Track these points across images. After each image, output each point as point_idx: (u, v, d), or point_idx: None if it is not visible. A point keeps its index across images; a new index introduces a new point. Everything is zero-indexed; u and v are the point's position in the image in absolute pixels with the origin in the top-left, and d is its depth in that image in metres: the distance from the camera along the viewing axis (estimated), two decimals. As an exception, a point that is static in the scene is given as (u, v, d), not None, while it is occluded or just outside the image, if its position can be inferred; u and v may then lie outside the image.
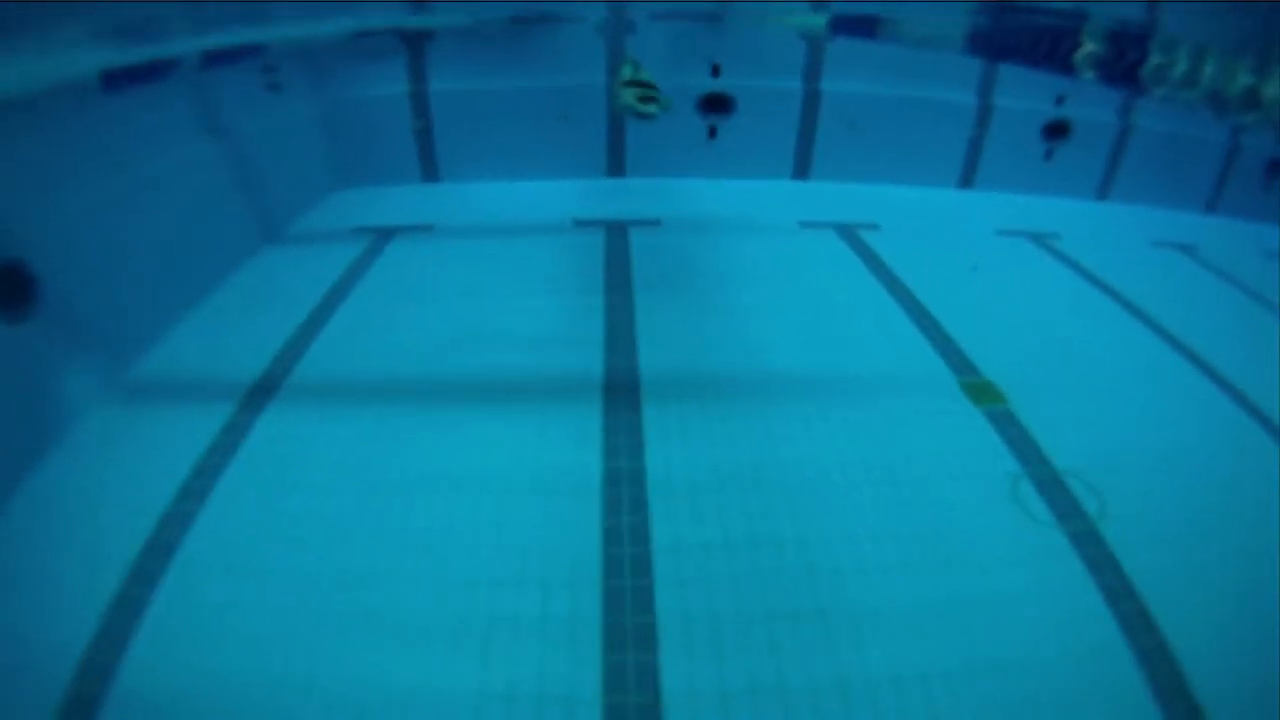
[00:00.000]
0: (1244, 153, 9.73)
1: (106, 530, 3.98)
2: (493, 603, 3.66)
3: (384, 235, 7.69)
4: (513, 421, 4.89)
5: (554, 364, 5.49)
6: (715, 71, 9.07)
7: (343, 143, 8.90)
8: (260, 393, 5.12)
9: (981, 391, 5.33)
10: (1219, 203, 10.02)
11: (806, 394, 5.23)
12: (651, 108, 5.94)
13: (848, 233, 8.05)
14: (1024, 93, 9.31)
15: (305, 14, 7.79)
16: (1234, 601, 3.86)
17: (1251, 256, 8.39)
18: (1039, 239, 8.31)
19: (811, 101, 9.24)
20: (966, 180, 9.79)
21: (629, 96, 6.02)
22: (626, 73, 6.38)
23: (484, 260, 7.17)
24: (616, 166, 9.45)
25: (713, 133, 9.31)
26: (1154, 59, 4.13)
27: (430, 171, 9.28)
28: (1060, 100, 9.42)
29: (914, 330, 6.12)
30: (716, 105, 9.19)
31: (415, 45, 8.80)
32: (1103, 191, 9.98)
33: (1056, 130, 9.58)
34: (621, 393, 5.17)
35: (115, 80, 5.32)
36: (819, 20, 8.40)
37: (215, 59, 6.50)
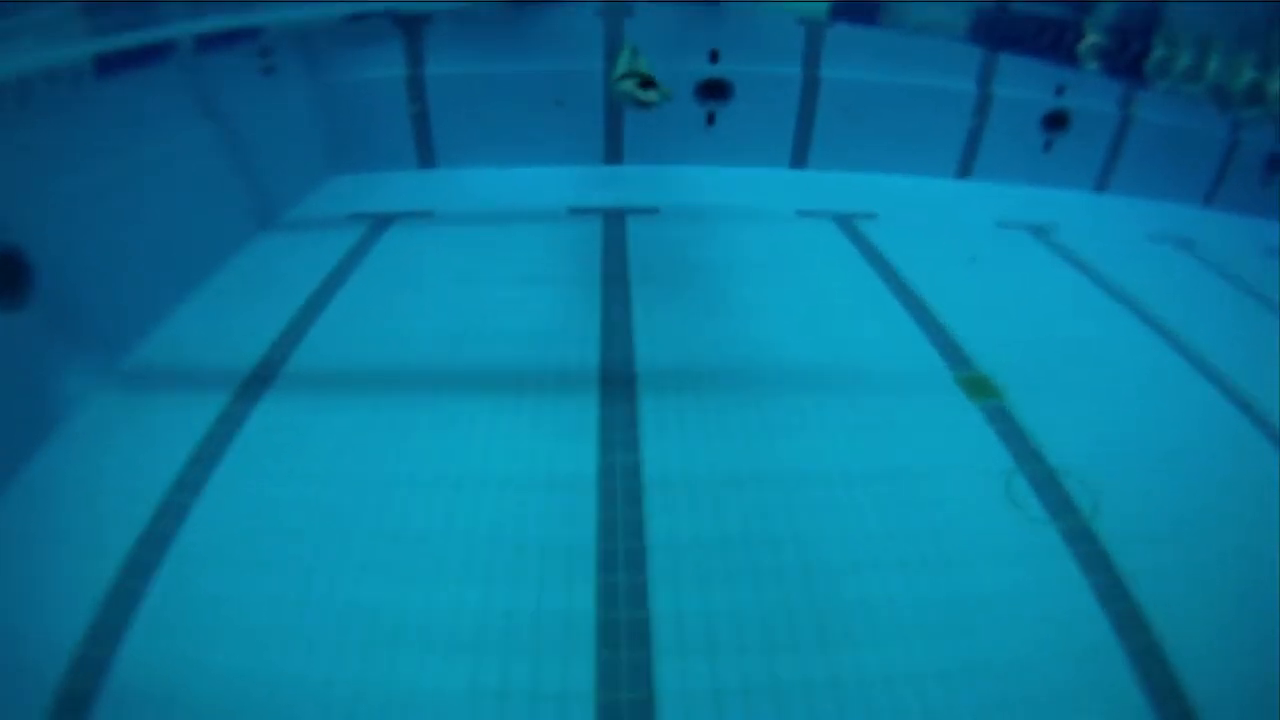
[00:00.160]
0: (1244, 147, 9.68)
1: (102, 521, 3.98)
2: (487, 596, 3.67)
3: (380, 222, 7.64)
4: (509, 412, 4.88)
5: (550, 355, 5.47)
6: (714, 57, 9.00)
7: (338, 128, 8.82)
8: (257, 381, 5.10)
9: (977, 386, 5.33)
10: (1218, 196, 9.98)
11: (803, 387, 5.23)
12: (652, 94, 5.87)
13: (845, 222, 8.03)
14: (1024, 82, 9.24)
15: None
16: (1228, 600, 3.88)
17: (1250, 251, 8.37)
18: (1037, 230, 8.28)
19: (810, 88, 9.18)
20: (965, 170, 9.74)
21: (628, 84, 5.96)
22: (624, 59, 6.31)
23: (481, 248, 7.14)
24: (614, 153, 9.39)
25: (711, 119, 9.25)
26: (1158, 52, 4.11)
27: (426, 157, 9.21)
28: (1060, 90, 9.36)
29: (911, 323, 6.11)
30: (715, 91, 9.12)
31: (411, 28, 8.72)
32: (1102, 183, 9.94)
33: (1056, 121, 9.52)
34: (618, 384, 5.17)
35: (109, 65, 5.27)
36: (821, 6, 8.33)
37: (210, 42, 6.44)
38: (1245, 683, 3.45)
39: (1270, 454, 4.99)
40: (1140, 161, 9.67)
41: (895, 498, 4.35)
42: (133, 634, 3.44)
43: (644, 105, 5.98)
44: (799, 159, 9.62)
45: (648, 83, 5.95)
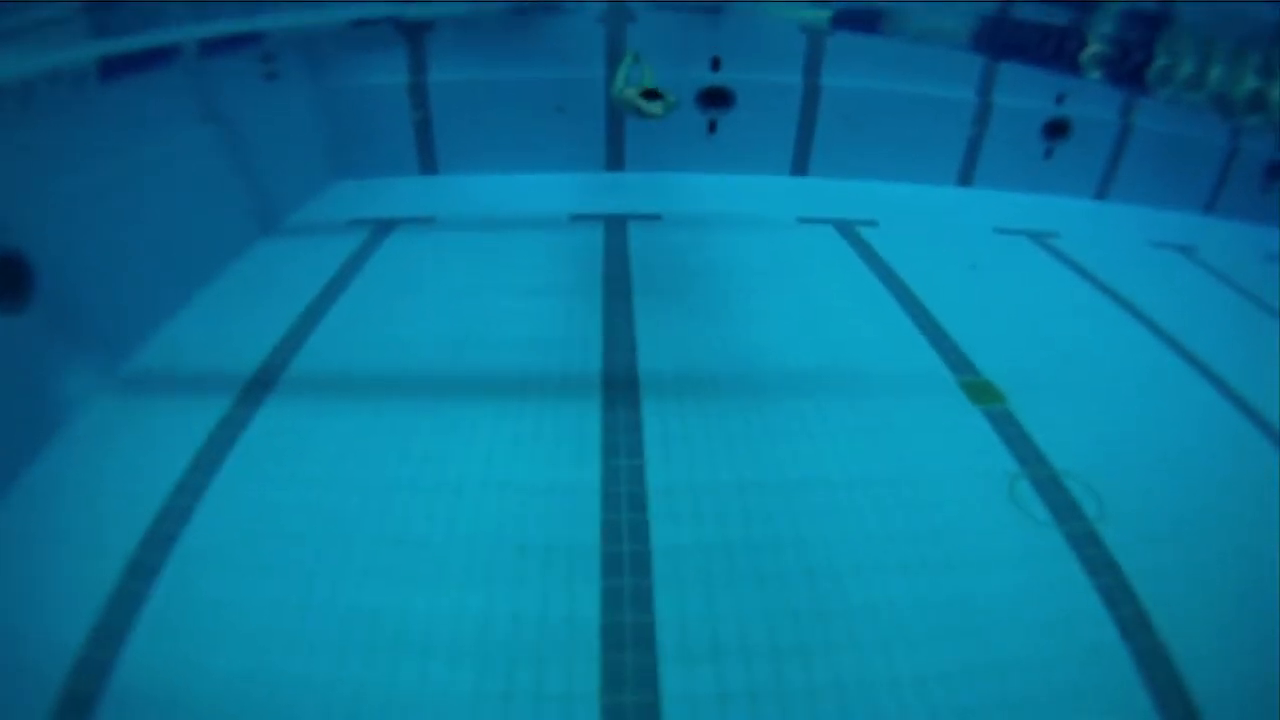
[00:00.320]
0: (1243, 154, 9.72)
1: (104, 524, 3.97)
2: (490, 600, 3.66)
3: (382, 228, 7.65)
4: (511, 418, 4.87)
5: (552, 361, 5.47)
6: (715, 65, 9.02)
7: (341, 133, 8.84)
8: (258, 385, 5.10)
9: (980, 391, 5.34)
10: (1218, 204, 10.02)
11: (805, 392, 5.23)
12: (656, 106, 5.86)
13: (847, 229, 8.04)
14: (1024, 91, 9.29)
15: (304, 1, 7.74)
16: (1231, 602, 3.88)
17: (1250, 258, 8.40)
18: (1038, 238, 8.30)
19: (811, 96, 9.21)
20: (965, 178, 9.78)
21: (631, 93, 5.96)
22: (625, 67, 6.31)
23: (482, 254, 7.14)
24: (616, 160, 9.42)
25: (712, 127, 9.27)
26: (1160, 60, 4.12)
27: (429, 163, 9.23)
28: (1060, 99, 9.40)
29: (912, 328, 6.12)
30: (716, 99, 9.15)
31: (414, 35, 8.74)
32: (1102, 191, 9.98)
33: (1056, 129, 9.56)
34: (620, 389, 5.17)
35: (113, 68, 5.28)
36: (823, 14, 8.35)
37: (214, 47, 6.45)
38: (1249, 682, 3.45)
39: (1271, 456, 5.00)
40: (1140, 169, 9.71)
41: (898, 499, 4.35)
42: (135, 636, 3.42)
43: (647, 115, 5.96)
44: (800, 166, 9.64)
45: (652, 94, 5.93)
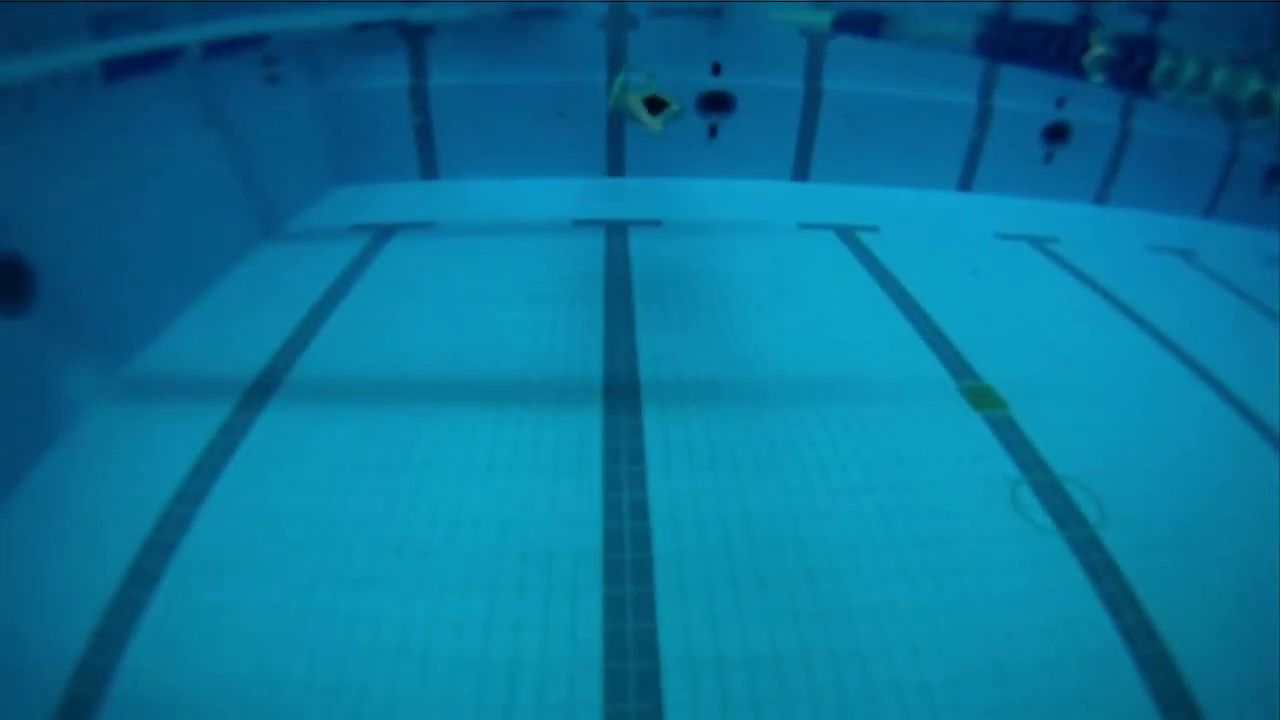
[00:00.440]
0: (1244, 158, 9.74)
1: (105, 529, 3.96)
2: (492, 607, 3.65)
3: (383, 233, 7.65)
4: (512, 424, 4.87)
5: (553, 367, 5.47)
6: (716, 69, 9.03)
7: (342, 138, 8.84)
8: (259, 391, 5.09)
9: (981, 396, 5.33)
10: (1218, 208, 10.03)
11: (806, 397, 5.22)
12: (656, 123, 5.81)
13: (847, 234, 8.05)
14: (1025, 94, 9.30)
15: (305, 4, 7.75)
16: (1235, 607, 3.88)
17: (1250, 262, 8.40)
18: (1038, 243, 8.31)
19: (812, 101, 9.21)
20: (966, 183, 9.78)
21: (634, 102, 5.90)
22: (622, 78, 6.24)
23: (483, 260, 7.14)
24: (616, 166, 9.42)
25: (713, 131, 9.27)
26: (1164, 63, 4.12)
27: (429, 168, 9.23)
28: (1061, 103, 9.41)
29: (913, 334, 6.12)
30: (717, 104, 9.16)
31: (415, 39, 8.75)
32: (1102, 195, 9.99)
33: (1057, 133, 9.57)
34: (621, 395, 5.17)
35: (116, 70, 5.28)
36: (824, 17, 8.35)
37: (216, 49, 6.45)
38: (1253, 685, 3.45)
39: (1272, 460, 5.01)
40: (1140, 173, 9.72)
41: (900, 505, 4.34)
42: (136, 641, 3.41)
43: (646, 126, 5.90)
44: (801, 171, 9.65)
45: (655, 102, 5.88)
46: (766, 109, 9.22)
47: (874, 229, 8.21)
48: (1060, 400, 5.36)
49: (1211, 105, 3.94)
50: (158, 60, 5.79)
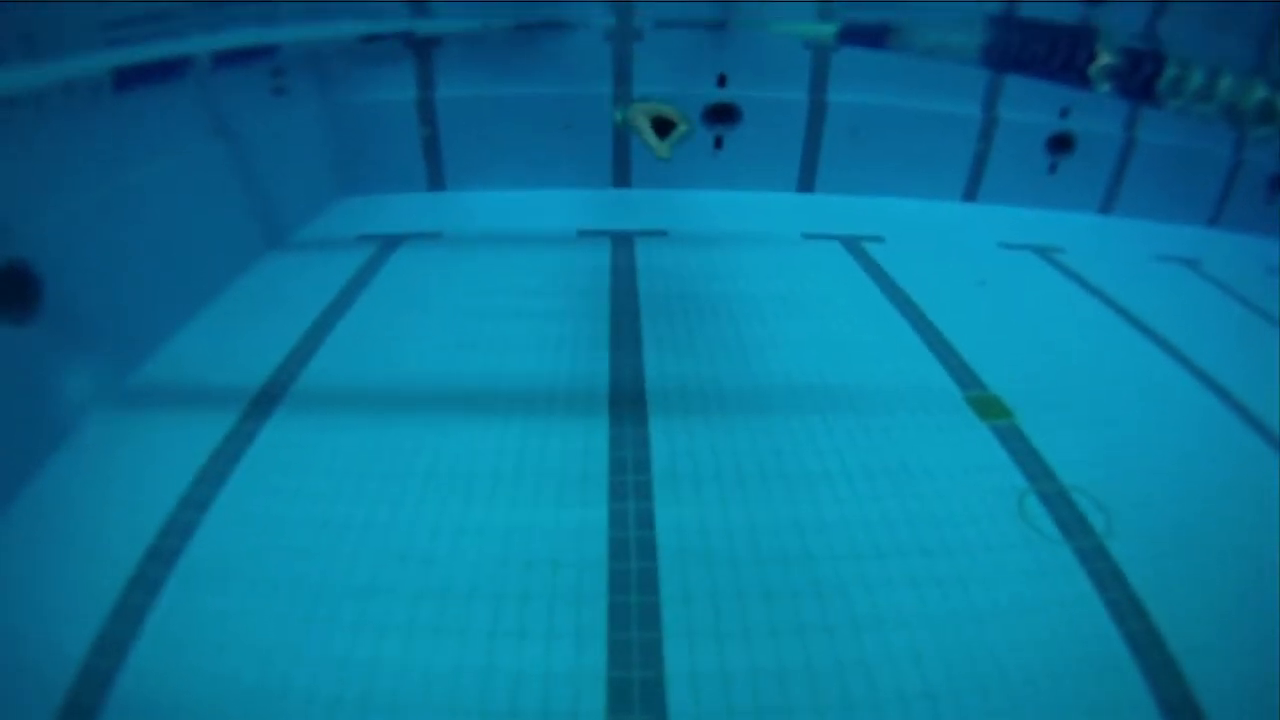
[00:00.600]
0: (1247, 167, 9.73)
1: (109, 536, 3.96)
2: (496, 616, 3.64)
3: (389, 243, 7.67)
4: (518, 433, 4.87)
5: (559, 377, 5.47)
6: (721, 81, 9.05)
7: (348, 149, 8.88)
8: (264, 399, 5.10)
9: (987, 406, 5.32)
10: (1222, 217, 10.02)
11: (812, 407, 5.22)
12: (664, 148, 5.79)
13: (852, 245, 8.05)
14: (1029, 105, 9.31)
15: (314, 17, 7.79)
16: (1240, 616, 3.85)
17: (1254, 271, 8.39)
18: (1043, 252, 8.30)
19: (817, 112, 9.23)
20: (970, 193, 9.79)
21: (642, 121, 5.85)
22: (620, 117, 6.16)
23: (489, 271, 7.15)
24: (622, 177, 9.44)
25: (719, 143, 9.29)
26: (1170, 71, 4.12)
27: (436, 179, 9.26)
28: (1065, 113, 9.41)
29: (919, 344, 6.12)
30: (722, 115, 9.18)
31: (422, 51, 8.78)
32: (1106, 205, 9.99)
33: (1061, 143, 9.57)
34: (627, 404, 5.16)
35: (127, 79, 5.30)
36: (829, 29, 8.37)
37: (226, 60, 6.49)
38: (1257, 692, 3.45)
39: (1275, 469, 4.98)
40: (1145, 183, 9.73)
41: (906, 514, 4.33)
42: (139, 647, 3.41)
43: (655, 150, 5.87)
44: (806, 183, 9.66)
45: (663, 122, 5.84)
46: (772, 121, 9.25)
47: (879, 239, 8.21)
48: (1066, 409, 5.34)
49: (1218, 113, 3.94)
50: (168, 70, 5.82)
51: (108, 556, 3.83)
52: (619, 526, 4.15)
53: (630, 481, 4.48)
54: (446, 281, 6.93)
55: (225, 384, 5.26)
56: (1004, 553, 4.13)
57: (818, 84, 9.17)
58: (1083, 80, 4.46)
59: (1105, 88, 4.39)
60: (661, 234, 8.10)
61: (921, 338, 6.19)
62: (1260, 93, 3.77)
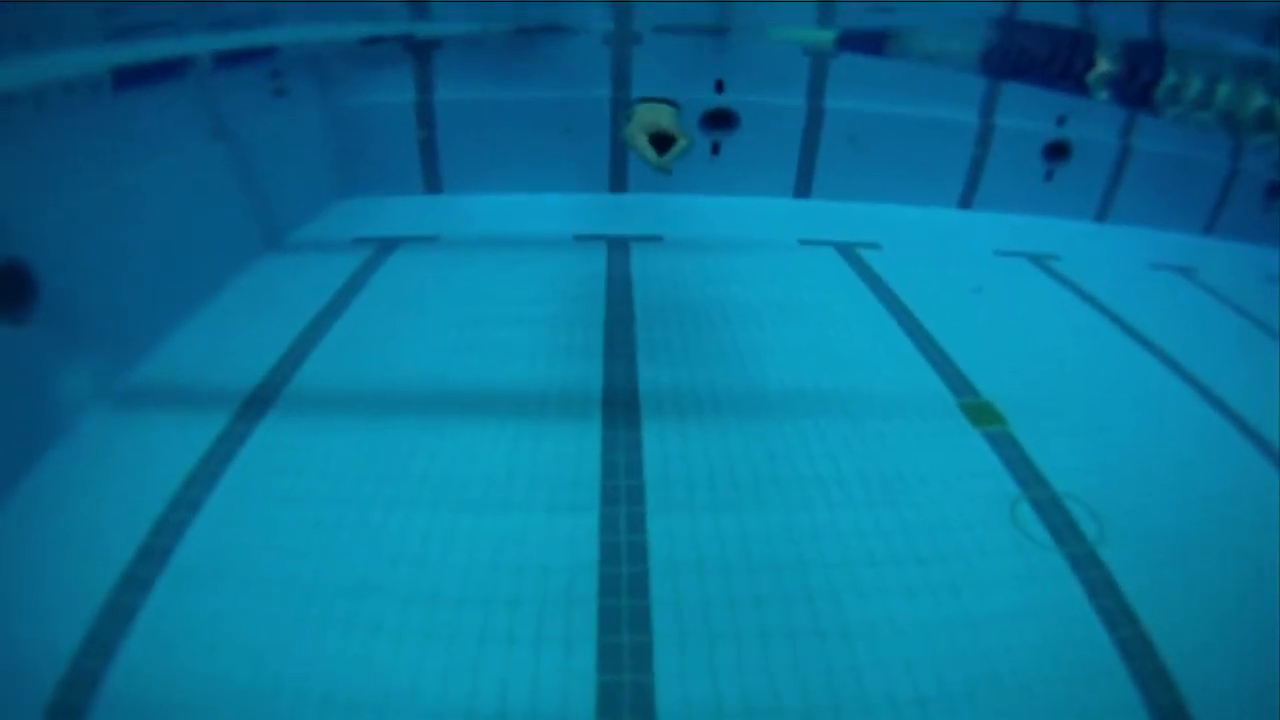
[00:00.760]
0: (1244, 175, 9.75)
1: (100, 536, 3.95)
2: (486, 620, 3.63)
3: (386, 246, 7.68)
4: (511, 437, 4.87)
5: (553, 381, 5.47)
6: (719, 87, 9.07)
7: (347, 151, 8.89)
8: (258, 401, 5.10)
9: (980, 412, 5.32)
10: (1218, 225, 10.04)
11: (806, 413, 5.22)
12: (665, 162, 5.78)
13: (849, 251, 8.07)
14: (1026, 112, 9.33)
15: (315, 18, 7.81)
16: (1233, 624, 3.86)
17: (1250, 279, 8.41)
18: (1038, 260, 8.31)
19: (815, 119, 9.25)
20: (967, 200, 9.80)
21: (641, 141, 5.84)
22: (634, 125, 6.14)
23: (485, 274, 7.16)
24: (619, 181, 9.45)
25: (716, 149, 9.30)
26: (1169, 78, 4.14)
27: (433, 182, 9.27)
28: (1062, 121, 9.44)
29: (913, 350, 6.13)
30: (720, 121, 9.19)
31: (422, 54, 8.80)
32: (1102, 213, 10.00)
33: (1057, 151, 9.60)
34: (620, 409, 5.17)
35: (126, 79, 5.31)
36: (827, 35, 8.39)
37: (226, 60, 6.50)
38: (1248, 699, 3.45)
39: (1272, 476, 4.99)
40: (1140, 191, 9.74)
41: (899, 521, 4.33)
42: (129, 647, 3.40)
43: (655, 166, 5.87)
44: (803, 189, 9.68)
45: (662, 137, 5.83)
46: (769, 126, 9.26)
47: (875, 246, 8.22)
48: (1060, 417, 5.35)
49: (1216, 121, 3.96)
50: (167, 70, 5.83)
51: (99, 555, 3.82)
52: (610, 531, 4.15)
53: (622, 486, 4.48)
54: (442, 285, 6.93)
55: (220, 384, 5.25)
56: (996, 559, 4.13)
57: (816, 90, 9.19)
58: (1081, 87, 4.48)
59: (1103, 95, 4.41)
60: (657, 239, 8.11)
61: (916, 344, 6.20)
62: (1259, 100, 3.78)
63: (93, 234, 5.06)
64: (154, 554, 3.87)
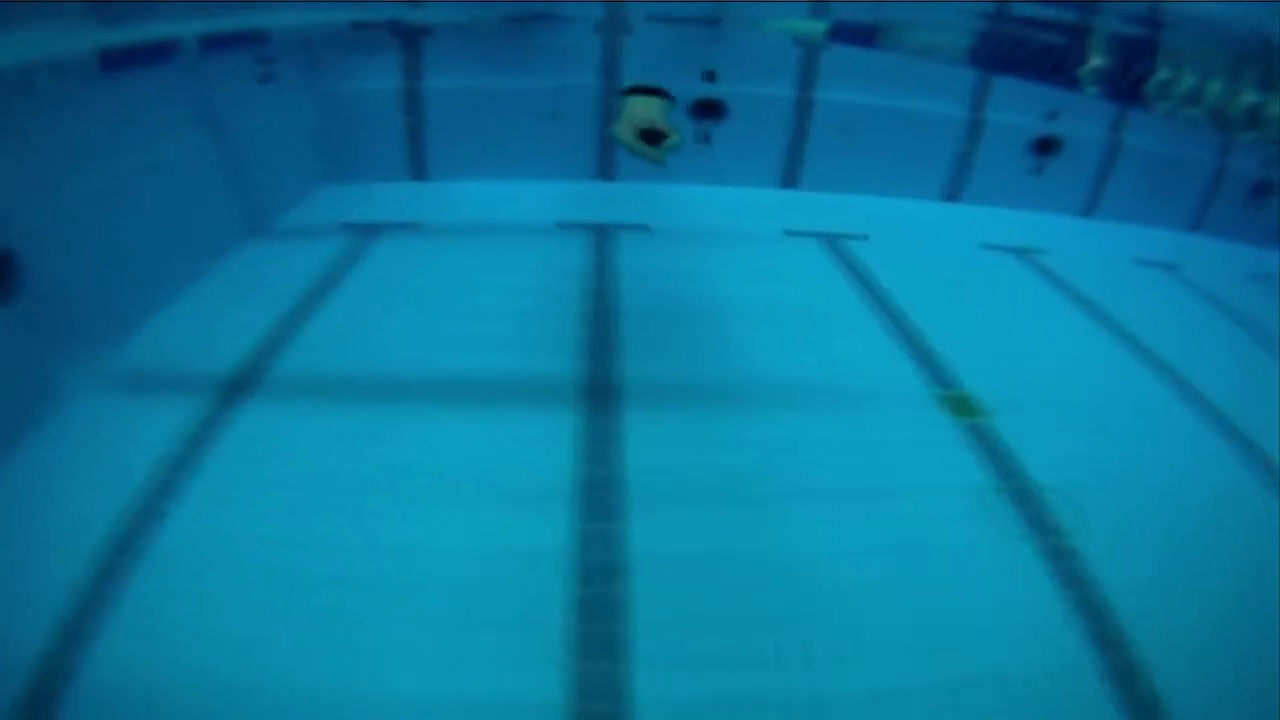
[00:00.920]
0: (1231, 174, 9.80)
1: (79, 522, 3.90)
2: (468, 609, 3.62)
3: (370, 232, 7.63)
4: (492, 424, 4.86)
5: (536, 368, 5.48)
6: (710, 77, 9.03)
7: (333, 137, 8.81)
8: (240, 387, 5.06)
9: (961, 405, 5.35)
10: (1204, 222, 10.10)
11: (789, 404, 5.24)
12: (657, 153, 5.76)
13: (834, 243, 8.08)
14: (1016, 107, 9.35)
15: (306, 1, 7.74)
16: (1209, 620, 3.88)
17: (1235, 276, 8.48)
18: (1024, 254, 8.34)
19: (804, 110, 9.24)
20: (955, 193, 9.82)
21: (627, 135, 5.81)
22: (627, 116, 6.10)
23: (470, 261, 7.14)
24: (607, 169, 9.41)
25: (706, 138, 9.26)
26: (1161, 74, 4.14)
27: (419, 169, 9.21)
28: (1052, 116, 9.45)
29: (896, 342, 6.16)
30: (709, 111, 9.16)
31: (412, 40, 8.72)
32: (1089, 208, 10.04)
33: (1046, 145, 9.61)
34: (601, 398, 5.16)
35: (114, 62, 5.24)
36: (819, 26, 8.38)
37: (213, 45, 6.42)
38: (1222, 694, 3.48)
39: (1249, 472, 5.04)
40: (1127, 187, 9.79)
41: (878, 512, 4.35)
42: (107, 634, 3.36)
43: (649, 161, 5.85)
44: (791, 179, 9.68)
45: (652, 134, 5.80)
46: (759, 116, 9.25)
47: (862, 237, 8.24)
48: (1041, 410, 5.38)
49: (1205, 117, 3.96)
50: (155, 54, 5.75)
51: (77, 543, 3.77)
52: (588, 520, 4.14)
53: (599, 475, 4.47)
54: (426, 273, 6.91)
55: (202, 370, 5.20)
56: (973, 551, 4.15)
57: (806, 81, 9.17)
58: (1071, 82, 4.47)
59: (1094, 90, 4.41)
60: (644, 228, 8.10)
61: (899, 336, 6.23)
62: (1249, 98, 3.79)
63: (76, 218, 5.00)
64: (133, 541, 3.83)
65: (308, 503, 4.16)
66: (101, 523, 3.90)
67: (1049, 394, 5.63)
